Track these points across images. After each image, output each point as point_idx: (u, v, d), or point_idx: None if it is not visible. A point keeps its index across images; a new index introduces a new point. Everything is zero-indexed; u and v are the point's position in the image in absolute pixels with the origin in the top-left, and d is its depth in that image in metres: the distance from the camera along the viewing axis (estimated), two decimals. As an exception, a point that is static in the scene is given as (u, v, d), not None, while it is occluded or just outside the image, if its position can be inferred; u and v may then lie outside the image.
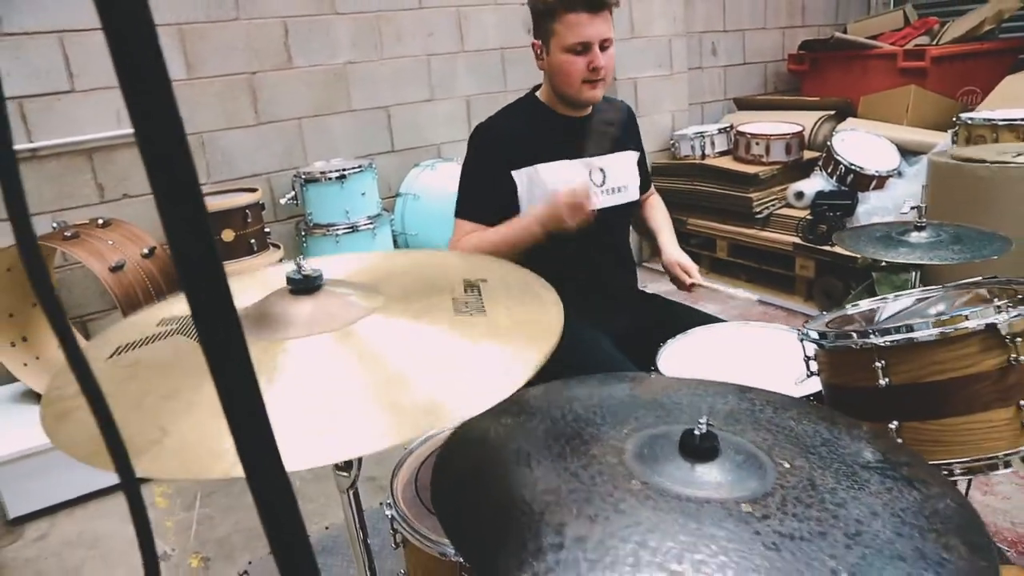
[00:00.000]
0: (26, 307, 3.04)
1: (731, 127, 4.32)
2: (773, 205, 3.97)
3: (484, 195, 1.80)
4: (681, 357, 1.64)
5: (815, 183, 3.88)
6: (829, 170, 3.86)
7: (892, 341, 1.09)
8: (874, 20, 5.22)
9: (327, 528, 2.37)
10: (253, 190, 3.15)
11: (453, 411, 0.65)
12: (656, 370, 1.58)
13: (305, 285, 0.80)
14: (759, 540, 0.71)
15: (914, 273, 1.71)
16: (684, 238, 4.40)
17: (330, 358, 0.71)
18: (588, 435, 0.86)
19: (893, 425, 1.11)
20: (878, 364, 1.10)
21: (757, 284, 4.06)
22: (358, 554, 0.95)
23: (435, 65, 3.94)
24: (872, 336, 1.10)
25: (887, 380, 1.10)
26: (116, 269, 2.70)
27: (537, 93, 1.86)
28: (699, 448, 0.81)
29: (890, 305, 1.34)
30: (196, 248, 0.32)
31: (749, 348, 1.65)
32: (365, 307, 0.78)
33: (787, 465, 0.84)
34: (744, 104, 5.03)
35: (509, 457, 0.83)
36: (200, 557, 2.31)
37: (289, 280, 0.81)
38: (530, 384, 1.26)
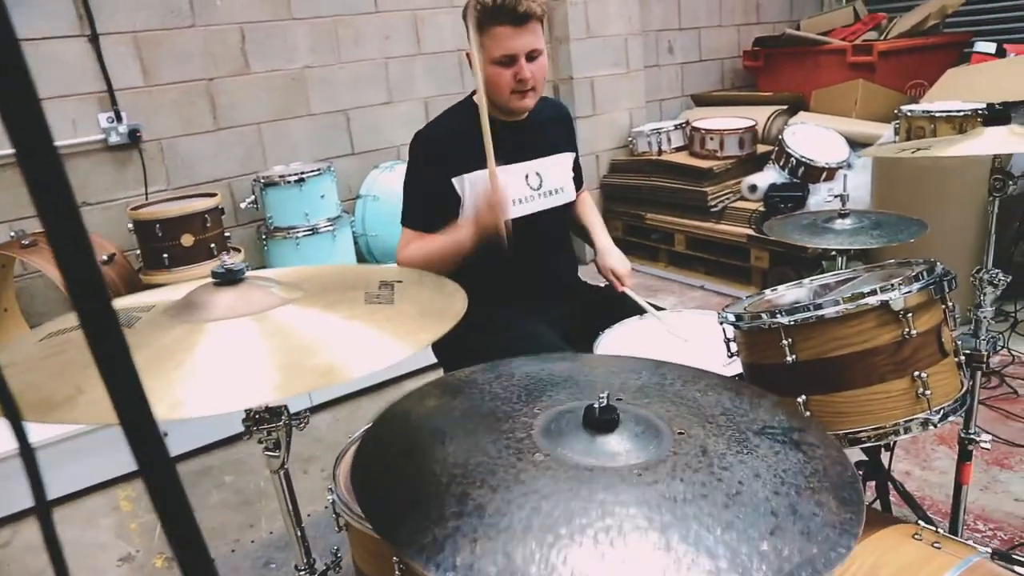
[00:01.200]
0: (-14, 316, 3.04)
1: (687, 123, 4.42)
2: (728, 198, 4.07)
3: (426, 203, 1.85)
4: (618, 345, 1.71)
5: (768, 176, 3.98)
6: (781, 163, 3.96)
7: (796, 320, 1.16)
8: (826, 16, 5.35)
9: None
10: (212, 195, 3.17)
11: (344, 372, 0.71)
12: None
13: (228, 277, 0.85)
14: (644, 503, 0.78)
15: (840, 258, 1.79)
16: (643, 232, 4.49)
17: (244, 336, 0.77)
18: (502, 413, 0.93)
19: (801, 399, 1.19)
20: (785, 342, 1.18)
21: (715, 276, 4.16)
22: (291, 531, 1.01)
23: (393, 68, 3.98)
24: (779, 316, 1.18)
25: (794, 357, 1.18)
26: (74, 276, 2.71)
27: (474, 97, 1.91)
28: (599, 421, 0.88)
29: (804, 288, 1.42)
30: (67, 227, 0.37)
31: (684, 334, 1.73)
32: (282, 297, 0.84)
33: (683, 433, 0.90)
34: (701, 100, 5.13)
35: (426, 435, 0.89)
36: (164, 557, 2.35)
37: (214, 273, 0.86)
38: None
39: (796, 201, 3.74)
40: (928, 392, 1.14)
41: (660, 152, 4.41)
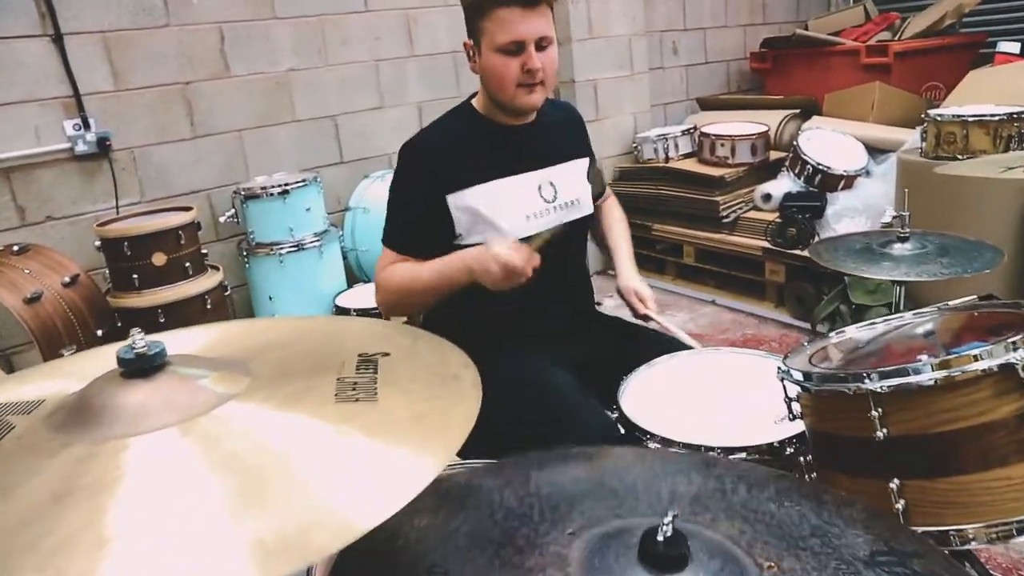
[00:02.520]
0: (-62, 343, 2.78)
1: (695, 128, 4.19)
2: (740, 208, 3.84)
3: (411, 223, 1.60)
4: (646, 392, 1.47)
5: (782, 184, 3.75)
6: (796, 171, 3.73)
7: (890, 386, 0.92)
8: (835, 16, 5.13)
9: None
10: (188, 209, 2.92)
11: (321, 546, 0.46)
12: (618, 408, 1.41)
13: (140, 365, 0.61)
14: None
15: (897, 289, 1.55)
16: (650, 244, 4.25)
17: (159, 466, 0.51)
18: (523, 538, 0.68)
19: (894, 484, 0.94)
20: (875, 413, 0.94)
21: (726, 290, 3.92)
22: None
23: (384, 71, 3.74)
24: (867, 380, 0.93)
25: (885, 431, 0.94)
26: (32, 300, 2.47)
27: (473, 101, 1.67)
28: (664, 556, 0.63)
29: (877, 332, 1.18)
30: None
31: (721, 379, 1.48)
32: (219, 393, 0.59)
33: (774, 568, 0.66)
34: (707, 104, 4.90)
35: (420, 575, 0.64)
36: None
37: (120, 360, 0.61)
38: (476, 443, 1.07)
39: (814, 211, 3.51)
40: (1061, 479, 0.90)
41: (667, 159, 4.17)
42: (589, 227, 1.84)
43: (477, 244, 1.54)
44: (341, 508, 0.49)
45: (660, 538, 0.63)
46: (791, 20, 5.45)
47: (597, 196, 1.92)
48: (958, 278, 1.35)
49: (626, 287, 1.79)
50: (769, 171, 3.96)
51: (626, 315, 1.91)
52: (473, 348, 1.59)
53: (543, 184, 1.65)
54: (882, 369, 0.93)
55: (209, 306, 2.87)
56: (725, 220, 3.81)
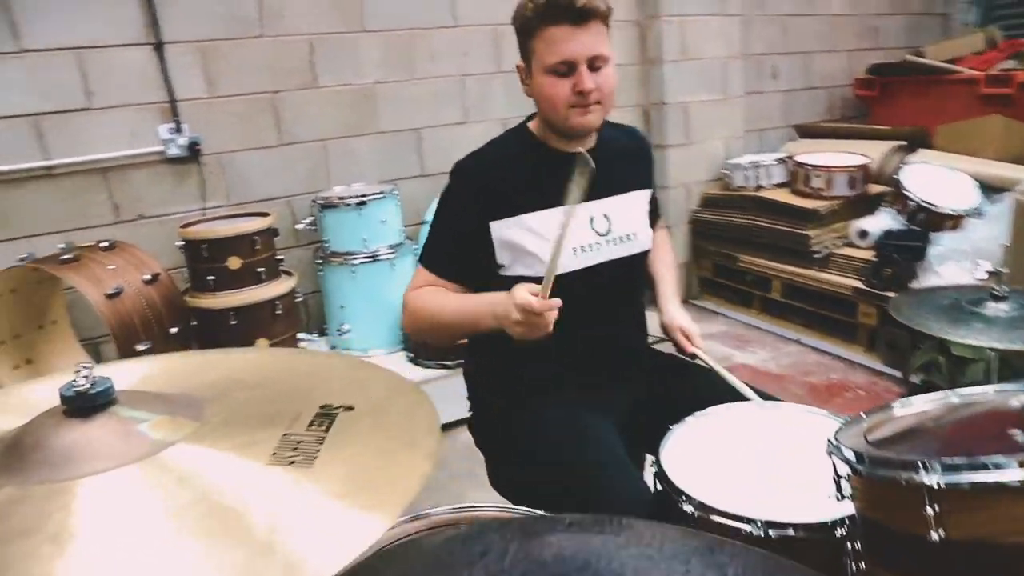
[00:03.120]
0: (32, 329, 2.94)
1: (790, 157, 3.98)
2: (834, 244, 3.61)
3: (451, 246, 1.54)
4: (692, 446, 1.35)
5: (882, 221, 3.51)
6: (898, 207, 3.48)
7: (951, 483, 0.79)
8: (954, 42, 4.79)
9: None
10: (265, 215, 2.98)
11: None
12: (658, 462, 1.30)
13: (81, 404, 0.57)
14: None
15: (992, 355, 1.38)
16: (736, 275, 4.08)
17: (87, 511, 0.48)
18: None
19: (950, 594, 0.81)
20: (930, 510, 0.80)
21: (813, 329, 3.69)
22: None
23: (470, 86, 3.73)
24: (925, 472, 0.80)
25: (942, 533, 0.80)
26: (113, 296, 2.56)
27: (530, 123, 1.60)
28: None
29: (949, 406, 1.03)
30: None
31: (779, 439, 1.35)
32: (155, 440, 0.54)
33: None
34: (807, 131, 4.66)
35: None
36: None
37: (62, 398, 0.58)
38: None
39: (914, 252, 3.25)
40: None
41: (758, 188, 3.98)
42: (644, 264, 1.72)
43: (519, 276, 1.47)
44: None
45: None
46: (905, 46, 5.14)
47: (652, 227, 1.82)
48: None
49: (670, 323, 1.68)
50: (868, 206, 3.71)
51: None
52: (516, 389, 1.54)
53: (596, 216, 1.56)
54: (946, 461, 0.80)
55: (279, 311, 2.92)
56: (816, 255, 3.60)
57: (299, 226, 3.33)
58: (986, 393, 1.02)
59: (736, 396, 1.54)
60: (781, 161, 3.99)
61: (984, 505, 0.79)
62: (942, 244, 3.29)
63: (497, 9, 3.61)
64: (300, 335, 3.09)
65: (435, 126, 3.67)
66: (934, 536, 0.81)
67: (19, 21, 2.79)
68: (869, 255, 3.41)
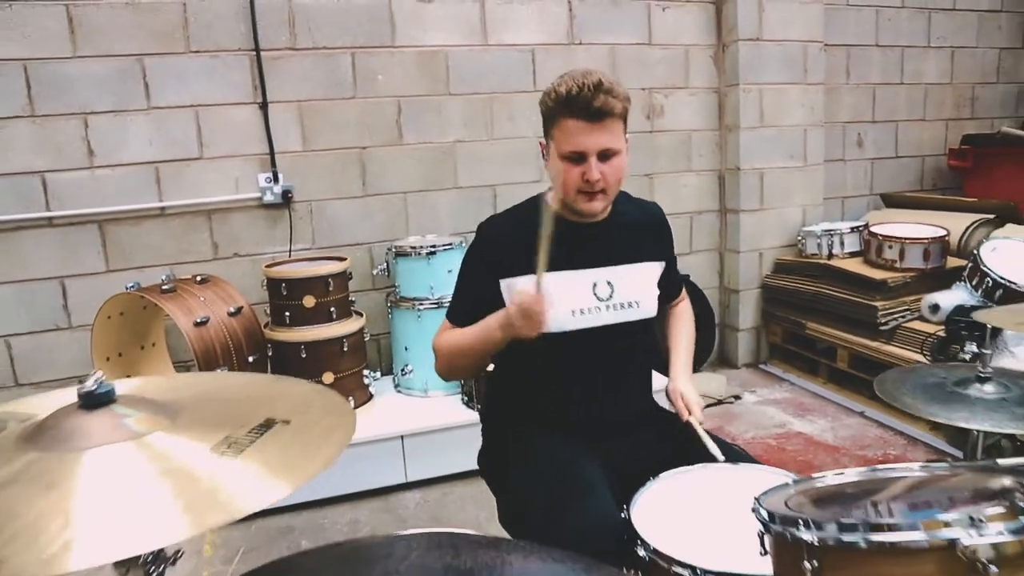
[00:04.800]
0: (135, 349, 3.31)
1: (865, 226, 3.93)
2: (903, 317, 3.53)
3: (470, 299, 1.70)
4: (665, 499, 1.44)
5: (955, 296, 3.41)
6: (974, 283, 3.38)
7: (822, 539, 0.86)
8: (1060, 115, 4.61)
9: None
10: (341, 259, 3.25)
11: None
12: (627, 509, 1.39)
13: (88, 401, 0.76)
14: None
15: (975, 434, 1.39)
16: (804, 342, 4.03)
17: (86, 471, 0.69)
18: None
19: (824, 649, 0.87)
20: (808, 566, 0.87)
21: (880, 404, 3.58)
22: None
23: (545, 146, 3.92)
24: (804, 528, 0.88)
25: (818, 588, 0.87)
26: (200, 324, 2.87)
27: (548, 194, 1.75)
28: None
29: (872, 476, 1.07)
30: None
31: (738, 498, 1.41)
32: (135, 431, 0.73)
33: None
34: (892, 201, 4.58)
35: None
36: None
37: (78, 395, 0.78)
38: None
39: (985, 330, 3.13)
40: None
41: (831, 256, 3.95)
42: (652, 329, 1.82)
43: None
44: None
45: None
46: (1008, 116, 4.97)
47: (669, 299, 1.90)
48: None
49: (673, 389, 1.78)
50: (944, 280, 3.61)
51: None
52: (519, 431, 1.67)
53: (599, 282, 1.67)
54: (820, 520, 0.87)
55: (346, 348, 3.16)
56: (883, 327, 3.53)
57: (375, 271, 3.59)
58: (912, 468, 1.06)
59: (726, 455, 1.60)
60: (856, 230, 3.95)
61: (851, 565, 0.85)
62: (1020, 324, 3.16)
63: (574, 76, 3.83)
64: (365, 372, 3.31)
65: (510, 183, 3.87)
66: (809, 590, 0.87)
67: (151, 83, 3.23)
68: (938, 330, 3.31)
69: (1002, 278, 3.25)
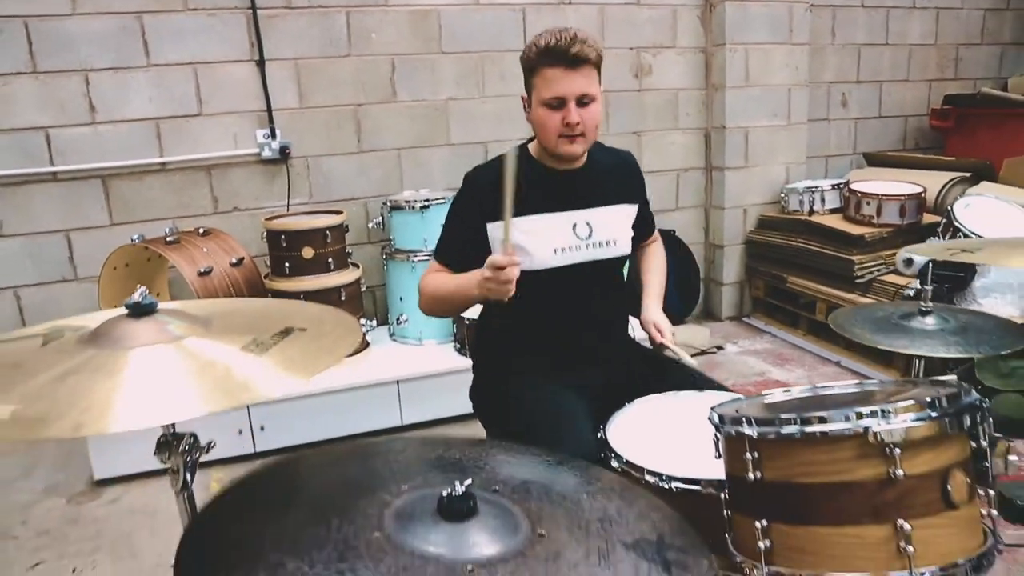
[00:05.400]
0: (139, 301, 3.43)
1: (846, 184, 4.06)
2: (878, 270, 3.68)
3: (455, 242, 1.84)
4: (638, 421, 1.59)
5: (929, 250, 3.55)
6: (947, 237, 3.52)
7: (762, 433, 1.01)
8: (1040, 76, 4.71)
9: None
10: (338, 212, 3.37)
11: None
12: (603, 428, 1.55)
13: (134, 311, 0.90)
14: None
15: (916, 362, 1.54)
16: (786, 296, 4.18)
17: (134, 364, 0.83)
18: (375, 485, 0.89)
19: (762, 524, 1.02)
20: (749, 456, 1.02)
21: (855, 352, 3.76)
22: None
23: (536, 105, 4.02)
24: (744, 425, 1.03)
25: (758, 475, 1.02)
26: (204, 274, 3.00)
27: (530, 145, 1.88)
28: (450, 509, 0.81)
29: (811, 396, 1.23)
30: None
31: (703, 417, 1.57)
32: (175, 334, 0.87)
33: (544, 536, 0.82)
34: (874, 160, 4.70)
35: (286, 496, 0.87)
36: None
37: (126, 305, 0.91)
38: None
39: (955, 282, 3.30)
40: (910, 548, 0.93)
41: (811, 212, 4.09)
42: (625, 265, 1.96)
43: None
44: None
45: (449, 494, 0.81)
46: (991, 76, 5.07)
47: (642, 239, 2.04)
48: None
49: (645, 319, 1.94)
50: (919, 235, 3.76)
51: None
52: (505, 364, 1.82)
53: (579, 223, 1.81)
54: (759, 418, 1.02)
55: (343, 298, 3.30)
56: (859, 280, 3.68)
57: (370, 225, 3.71)
58: (836, 386, 1.21)
59: (694, 384, 1.75)
60: (836, 187, 4.08)
61: (784, 453, 1.01)
62: (988, 276, 3.32)
63: (564, 35, 3.90)
64: (362, 320, 3.45)
65: (501, 140, 3.97)
66: (751, 476, 1.03)
67: (150, 40, 3.30)
68: (911, 282, 3.47)
69: (973, 232, 3.39)
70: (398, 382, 3.23)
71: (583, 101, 1.67)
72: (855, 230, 3.76)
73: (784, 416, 0.99)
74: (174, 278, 3.52)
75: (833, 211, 4.07)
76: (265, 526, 0.82)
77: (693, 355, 3.86)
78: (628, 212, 1.91)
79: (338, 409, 3.12)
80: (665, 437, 1.51)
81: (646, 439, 1.50)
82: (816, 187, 4.11)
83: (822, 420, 0.97)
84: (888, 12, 4.70)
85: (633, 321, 2.02)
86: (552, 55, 1.64)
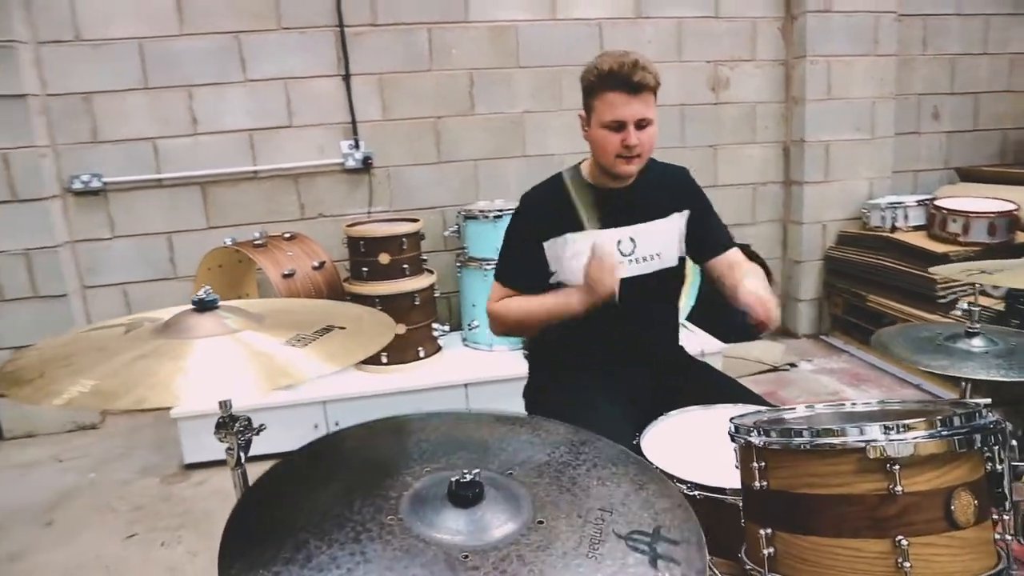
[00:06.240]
0: (231, 298, 3.66)
1: (931, 200, 3.92)
2: (963, 291, 3.54)
3: (516, 263, 1.93)
4: (668, 430, 1.64)
5: (1018, 271, 3.39)
6: (1039, 258, 3.35)
7: (767, 443, 1.05)
8: None
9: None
10: (414, 220, 3.53)
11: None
12: (638, 439, 1.60)
13: (198, 307, 1.03)
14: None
15: (964, 384, 1.51)
16: (864, 314, 4.08)
17: (198, 351, 0.99)
18: (398, 466, 0.99)
19: (767, 532, 1.06)
20: (756, 465, 1.06)
21: (936, 376, 3.62)
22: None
23: (611, 117, 4.07)
24: (753, 434, 1.07)
25: (764, 483, 1.06)
26: (287, 276, 3.20)
27: (582, 165, 1.95)
28: (458, 495, 0.90)
29: (836, 413, 1.24)
30: None
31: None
32: (231, 327, 1.00)
33: (543, 523, 0.89)
34: (968, 175, 4.50)
35: (326, 472, 0.99)
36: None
37: (192, 301, 1.05)
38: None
39: (1044, 305, 3.14)
40: (908, 565, 0.95)
41: (894, 229, 3.97)
42: (675, 278, 1.98)
43: (564, 283, 1.84)
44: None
45: (458, 481, 0.90)
46: (1103, 88, 4.77)
47: (715, 251, 2.02)
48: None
49: (746, 290, 1.75)
50: (1013, 255, 3.58)
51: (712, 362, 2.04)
52: (555, 369, 1.89)
53: (623, 239, 1.87)
54: (766, 427, 1.06)
55: (417, 302, 3.44)
56: (941, 301, 3.55)
57: (446, 233, 3.86)
58: (870, 403, 1.23)
59: (740, 398, 1.77)
60: (921, 203, 3.94)
61: (789, 464, 1.04)
62: (1082, 300, 3.14)
63: (641, 49, 3.87)
64: (435, 325, 3.59)
65: (574, 153, 4.03)
66: (757, 485, 1.07)
67: (246, 57, 3.56)
68: (997, 303, 3.32)
69: (1067, 253, 3.22)
70: (466, 385, 3.35)
71: (641, 124, 1.74)
72: (939, 248, 3.63)
73: (790, 428, 1.03)
74: (262, 279, 3.76)
75: (917, 228, 3.94)
76: (302, 503, 0.93)
77: (763, 371, 3.86)
78: (675, 222, 1.94)
79: (409, 408, 3.22)
80: (697, 447, 1.55)
81: (679, 447, 1.54)
82: (900, 203, 3.98)
83: (825, 433, 1.00)
84: (988, 20, 4.50)
85: (694, 333, 2.05)
86: (614, 80, 1.71)
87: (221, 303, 1.08)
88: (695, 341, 3.43)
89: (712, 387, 1.86)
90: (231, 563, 0.84)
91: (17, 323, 3.43)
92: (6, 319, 3.44)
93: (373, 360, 3.39)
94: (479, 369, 3.44)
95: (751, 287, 1.77)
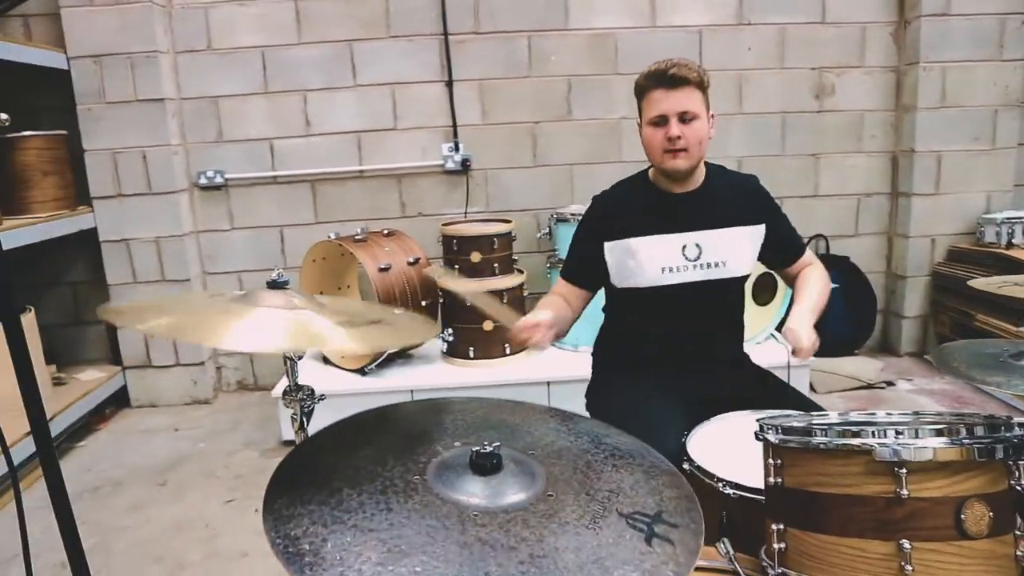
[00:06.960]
0: (333, 289, 3.94)
1: (1054, 215, 3.68)
2: (1082, 313, 3.31)
3: (573, 259, 2.03)
4: (714, 432, 1.67)
5: None
6: None
7: (783, 441, 1.08)
8: None
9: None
10: (507, 221, 3.66)
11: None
12: (685, 438, 1.65)
13: (271, 286, 1.19)
14: (457, 540, 0.89)
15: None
16: (973, 334, 3.86)
17: (265, 319, 1.13)
18: (433, 438, 1.11)
19: (779, 527, 1.10)
20: (772, 461, 1.10)
21: (1047, 403, 3.40)
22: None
23: (709, 124, 4.06)
24: (769, 432, 1.10)
25: (779, 480, 1.09)
26: (383, 270, 3.41)
27: (649, 171, 2.00)
28: (477, 464, 1.00)
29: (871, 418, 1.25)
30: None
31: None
32: (297, 307, 1.14)
33: (552, 496, 0.98)
34: (1101, 190, 4.17)
35: (372, 437, 1.12)
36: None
37: (268, 282, 1.21)
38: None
39: None
40: (910, 568, 0.96)
41: (1010, 245, 3.75)
42: (739, 287, 2.00)
43: (627, 287, 1.91)
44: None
45: (478, 452, 1.00)
46: None
47: (786, 262, 2.04)
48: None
49: (788, 326, 1.77)
50: None
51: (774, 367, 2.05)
52: (618, 370, 1.96)
53: (688, 244, 1.90)
54: (780, 424, 1.09)
55: (505, 300, 3.56)
56: (1056, 323, 3.33)
57: (538, 235, 3.97)
58: (906, 413, 1.23)
59: (790, 406, 1.78)
60: (1042, 220, 3.70)
61: (802, 462, 1.08)
62: None
63: (741, 56, 3.93)
64: (521, 324, 3.71)
65: (670, 158, 4.06)
66: (772, 481, 1.11)
67: (357, 63, 3.81)
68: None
69: None
70: (549, 383, 3.45)
71: (684, 118, 1.78)
72: (1057, 267, 3.40)
73: (805, 427, 1.07)
74: (363, 272, 3.99)
75: (1036, 245, 3.70)
76: (344, 459, 1.06)
77: (857, 388, 3.73)
78: (749, 234, 1.95)
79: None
80: (741, 448, 1.57)
81: (723, 447, 1.58)
82: (1018, 218, 3.76)
83: (837, 434, 1.03)
84: None
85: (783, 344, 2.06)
86: (654, 78, 1.79)
87: (291, 285, 1.24)
88: (783, 352, 3.38)
89: (771, 394, 1.87)
90: (276, 498, 0.98)
91: (148, 302, 3.82)
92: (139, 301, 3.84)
93: (461, 354, 3.55)
94: (562, 368, 3.52)
95: (793, 314, 1.81)
